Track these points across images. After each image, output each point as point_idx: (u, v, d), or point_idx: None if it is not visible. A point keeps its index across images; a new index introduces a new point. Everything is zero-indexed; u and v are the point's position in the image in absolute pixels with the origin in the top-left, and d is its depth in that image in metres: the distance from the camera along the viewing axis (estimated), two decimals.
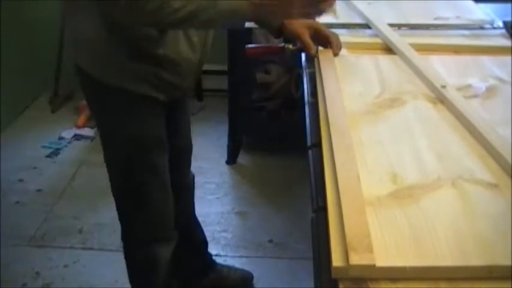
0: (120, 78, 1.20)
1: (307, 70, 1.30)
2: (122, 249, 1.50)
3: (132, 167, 1.31)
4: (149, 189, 1.34)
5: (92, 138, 2.75)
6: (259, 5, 1.07)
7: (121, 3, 1.01)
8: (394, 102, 1.12)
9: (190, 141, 1.60)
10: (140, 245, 1.45)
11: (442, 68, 1.26)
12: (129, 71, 1.19)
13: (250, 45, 1.52)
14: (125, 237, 1.46)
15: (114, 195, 1.38)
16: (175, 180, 1.54)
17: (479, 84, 1.20)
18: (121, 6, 1.01)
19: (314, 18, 1.24)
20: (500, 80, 1.22)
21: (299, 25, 1.32)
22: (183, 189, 1.62)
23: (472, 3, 1.76)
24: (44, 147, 2.73)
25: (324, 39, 1.34)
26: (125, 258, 1.49)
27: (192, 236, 1.75)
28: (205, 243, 1.82)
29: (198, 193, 1.73)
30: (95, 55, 1.20)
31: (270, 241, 2.10)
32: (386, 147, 0.96)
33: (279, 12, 1.11)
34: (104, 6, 1.05)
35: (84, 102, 1.39)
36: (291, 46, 1.39)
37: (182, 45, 1.20)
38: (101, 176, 1.40)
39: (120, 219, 1.42)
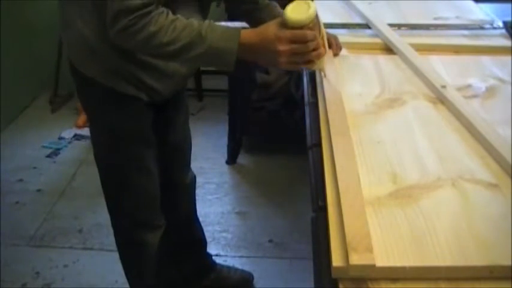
0: (104, 75, 1.21)
1: (307, 70, 1.30)
2: None
3: (112, 155, 1.34)
4: (130, 176, 1.35)
5: None
6: (247, 48, 1.06)
7: (116, 28, 1.02)
8: (394, 102, 1.12)
9: (189, 139, 1.60)
10: (126, 231, 1.47)
11: (442, 68, 1.26)
12: (113, 69, 1.20)
13: None
14: (113, 223, 1.47)
15: (101, 183, 1.40)
16: (172, 178, 1.54)
17: (479, 84, 1.20)
18: (115, 31, 1.02)
19: (301, 68, 1.20)
20: (500, 80, 1.22)
21: None
22: (182, 188, 1.62)
23: (472, 3, 1.76)
24: (44, 147, 2.73)
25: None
26: (116, 245, 1.51)
27: (192, 236, 1.75)
28: (205, 243, 1.82)
29: (198, 193, 1.73)
30: (82, 49, 1.21)
31: (270, 241, 2.10)
32: (386, 147, 0.96)
33: (266, 59, 1.09)
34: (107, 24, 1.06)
35: None
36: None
37: None
38: None
39: (108, 206, 1.44)
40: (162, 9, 1.03)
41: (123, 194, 1.39)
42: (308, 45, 1.04)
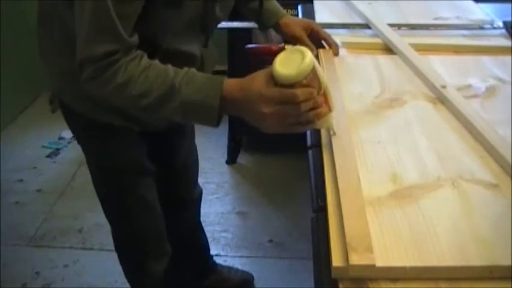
0: (87, 107, 1.11)
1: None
2: None
3: (105, 185, 1.28)
4: (125, 206, 1.30)
5: None
6: (230, 104, 0.88)
7: (82, 78, 0.90)
8: (394, 102, 1.12)
9: (195, 157, 1.55)
10: (129, 259, 1.45)
11: (442, 68, 1.26)
12: (96, 102, 1.07)
13: (250, 45, 1.52)
14: (116, 249, 1.45)
15: (102, 208, 1.36)
16: (179, 196, 1.51)
17: (479, 84, 1.20)
18: (82, 80, 0.91)
19: (298, 131, 0.91)
20: (500, 80, 1.22)
21: (296, 27, 1.32)
22: (188, 204, 1.60)
23: (472, 3, 1.76)
24: (44, 147, 2.73)
25: (321, 40, 1.34)
26: (120, 264, 1.48)
27: (195, 244, 1.75)
28: (207, 248, 1.81)
29: None
30: (61, 78, 1.13)
31: (270, 241, 2.10)
32: (386, 147, 0.96)
33: (251, 119, 0.89)
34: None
35: None
36: (291, 46, 1.38)
37: None
38: None
39: (111, 230, 1.41)
40: (134, 54, 0.90)
41: (121, 223, 1.36)
42: (299, 107, 0.85)
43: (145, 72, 0.89)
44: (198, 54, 1.09)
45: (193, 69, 0.92)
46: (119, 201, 1.30)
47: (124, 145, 1.21)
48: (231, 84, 0.89)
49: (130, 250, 1.42)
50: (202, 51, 1.11)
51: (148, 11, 0.92)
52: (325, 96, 0.90)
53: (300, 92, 0.84)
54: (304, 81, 0.85)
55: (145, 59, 0.91)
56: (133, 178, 1.26)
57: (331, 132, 0.96)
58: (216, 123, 0.90)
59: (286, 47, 1.39)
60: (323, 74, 0.88)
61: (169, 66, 0.91)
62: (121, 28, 0.87)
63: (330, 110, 0.91)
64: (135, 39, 0.91)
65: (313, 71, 0.85)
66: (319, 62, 1.27)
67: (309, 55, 0.84)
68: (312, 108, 0.87)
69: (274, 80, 0.85)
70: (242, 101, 0.87)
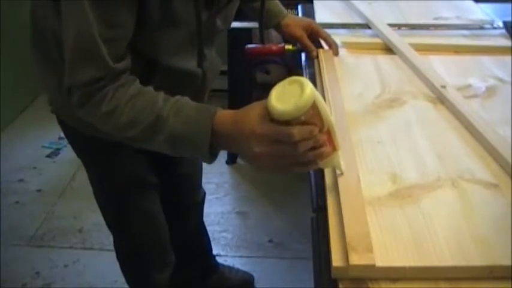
0: (83, 125, 0.98)
1: (307, 70, 1.30)
2: None
3: (107, 202, 1.27)
4: (129, 222, 1.29)
5: None
6: (223, 139, 0.80)
7: (72, 104, 0.87)
8: (394, 102, 1.12)
9: (197, 166, 1.53)
10: (131, 269, 1.44)
11: (442, 68, 1.26)
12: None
13: (250, 45, 1.52)
14: (118, 258, 1.44)
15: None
16: (183, 201, 1.51)
17: (479, 84, 1.20)
18: (73, 106, 0.87)
19: (297, 171, 0.80)
20: (500, 80, 1.22)
21: (297, 27, 1.32)
22: (193, 208, 1.60)
23: (472, 3, 1.76)
24: (44, 147, 2.73)
25: (320, 40, 1.33)
26: (122, 273, 1.48)
27: (199, 247, 1.74)
28: (210, 249, 1.81)
29: None
30: (57, 96, 1.09)
31: (270, 241, 2.10)
32: (386, 147, 0.96)
33: (244, 157, 0.81)
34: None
35: None
36: (291, 46, 1.39)
37: None
38: None
39: (113, 243, 1.40)
40: (123, 80, 0.85)
41: (124, 236, 1.35)
42: (297, 147, 0.75)
43: (132, 100, 0.83)
44: (199, 69, 1.05)
45: (185, 98, 0.85)
46: (121, 215, 1.29)
47: (125, 160, 1.18)
48: (224, 116, 0.81)
49: (132, 261, 1.42)
50: (202, 65, 1.06)
51: (144, 29, 0.87)
52: (329, 133, 0.79)
53: (296, 131, 0.74)
54: (303, 118, 0.74)
55: (136, 86, 0.86)
56: (136, 193, 1.25)
57: (338, 172, 0.85)
58: (209, 160, 0.82)
59: (286, 47, 1.39)
60: (326, 108, 0.77)
61: (160, 94, 0.85)
62: (106, 54, 0.82)
63: (334, 149, 0.81)
64: (125, 64, 0.86)
65: (314, 106, 0.74)
66: (319, 63, 1.27)
67: (308, 88, 0.73)
68: (314, 148, 0.77)
69: (270, 115, 0.75)
70: (235, 137, 0.79)
